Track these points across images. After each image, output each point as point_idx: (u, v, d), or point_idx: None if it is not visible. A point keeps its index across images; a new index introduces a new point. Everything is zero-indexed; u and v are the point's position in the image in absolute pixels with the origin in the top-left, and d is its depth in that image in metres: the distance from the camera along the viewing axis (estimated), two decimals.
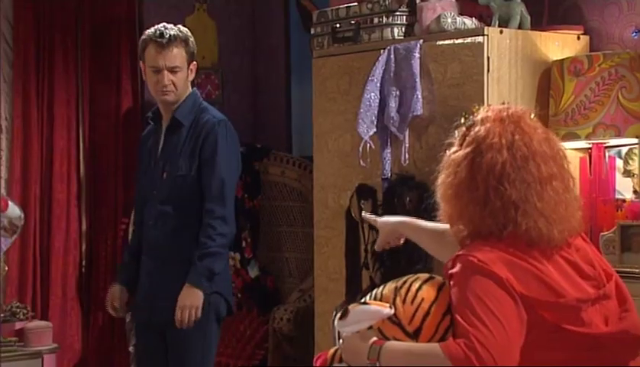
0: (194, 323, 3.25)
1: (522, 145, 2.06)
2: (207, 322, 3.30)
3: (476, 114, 2.16)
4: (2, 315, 4.38)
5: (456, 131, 2.18)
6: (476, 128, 2.10)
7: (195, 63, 3.39)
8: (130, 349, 4.65)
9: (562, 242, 2.06)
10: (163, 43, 3.27)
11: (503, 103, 2.26)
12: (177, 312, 3.23)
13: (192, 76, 3.39)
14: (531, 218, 2.02)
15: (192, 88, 3.44)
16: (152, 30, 3.33)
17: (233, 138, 3.38)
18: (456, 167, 2.09)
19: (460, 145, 2.13)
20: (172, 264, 3.32)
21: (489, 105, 2.19)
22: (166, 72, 3.28)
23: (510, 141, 2.06)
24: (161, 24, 3.35)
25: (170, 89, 3.31)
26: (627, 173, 3.36)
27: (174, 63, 3.29)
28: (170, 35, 3.28)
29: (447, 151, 2.16)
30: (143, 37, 3.35)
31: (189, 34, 3.36)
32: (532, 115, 2.16)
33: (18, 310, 4.39)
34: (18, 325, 4.39)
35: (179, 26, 3.36)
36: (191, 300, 3.23)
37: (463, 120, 2.19)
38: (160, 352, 3.39)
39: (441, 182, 2.14)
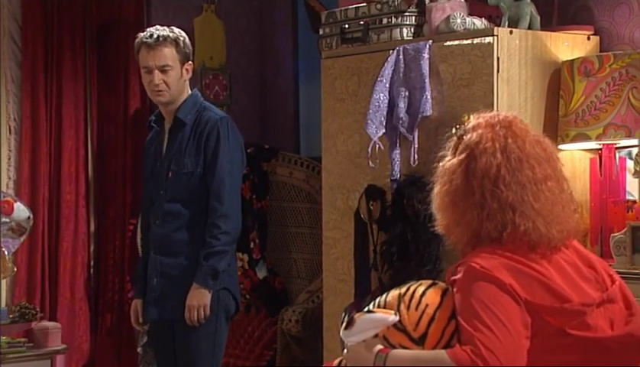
0: (203, 321, 3.30)
1: (515, 148, 2.08)
2: (216, 319, 3.34)
3: (467, 123, 2.17)
4: (11, 316, 4.38)
5: (448, 143, 2.20)
6: (468, 135, 2.12)
7: (190, 63, 3.42)
8: (139, 349, 4.65)
9: (561, 243, 2.08)
10: (151, 43, 3.32)
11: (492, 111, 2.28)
12: (186, 312, 3.29)
13: (187, 76, 3.42)
14: (529, 219, 2.03)
15: (191, 89, 3.47)
16: (143, 33, 3.39)
17: (235, 135, 3.42)
18: (451, 175, 2.11)
19: (454, 155, 2.15)
20: (180, 261, 3.36)
21: (479, 114, 2.20)
22: (156, 71, 3.33)
23: (503, 144, 2.08)
24: (153, 27, 3.41)
25: (163, 89, 3.35)
26: (637, 174, 3.34)
27: (164, 62, 3.33)
28: (159, 35, 3.33)
29: (441, 163, 2.17)
30: (136, 40, 3.41)
31: (182, 34, 3.40)
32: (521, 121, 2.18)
33: (27, 311, 4.39)
34: (27, 326, 4.40)
35: (172, 27, 3.41)
36: (198, 300, 3.29)
37: (454, 130, 2.21)
38: (163, 349, 3.45)
39: (437, 192, 2.16)
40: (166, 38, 3.33)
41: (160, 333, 3.47)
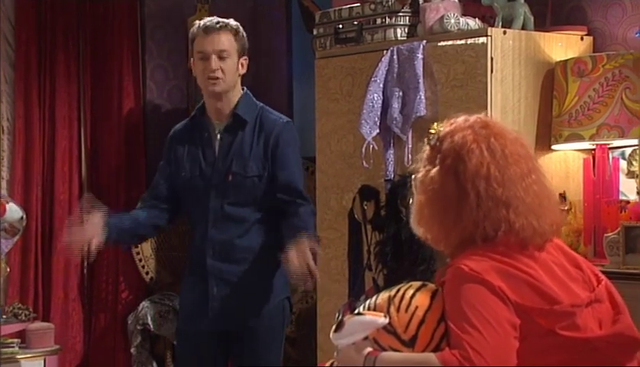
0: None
1: (498, 146, 2.07)
2: (281, 328, 3.22)
3: (437, 132, 2.14)
4: (4, 316, 4.37)
5: (420, 154, 2.15)
6: (447, 141, 2.09)
7: (246, 58, 3.22)
8: (132, 350, 4.65)
9: (552, 235, 2.09)
10: (210, 27, 3.13)
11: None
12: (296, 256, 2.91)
13: (242, 71, 3.21)
14: (522, 215, 2.04)
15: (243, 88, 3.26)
16: (201, 21, 3.21)
17: (297, 140, 3.29)
18: (438, 184, 2.08)
19: (432, 164, 2.10)
20: (243, 268, 3.15)
21: (449, 121, 2.15)
22: (214, 57, 3.11)
23: (487, 143, 2.07)
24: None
25: (219, 76, 3.12)
26: (631, 174, 3.35)
27: (222, 47, 3.12)
28: (219, 21, 3.16)
29: (416, 176, 2.13)
30: (192, 29, 3.20)
31: (240, 27, 3.22)
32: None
33: (20, 312, 4.39)
34: (20, 326, 4.39)
35: (231, 19, 3.23)
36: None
37: (426, 140, 2.17)
38: (210, 361, 3.21)
39: (423, 204, 2.11)
40: (226, 25, 3.15)
41: (203, 343, 3.19)
